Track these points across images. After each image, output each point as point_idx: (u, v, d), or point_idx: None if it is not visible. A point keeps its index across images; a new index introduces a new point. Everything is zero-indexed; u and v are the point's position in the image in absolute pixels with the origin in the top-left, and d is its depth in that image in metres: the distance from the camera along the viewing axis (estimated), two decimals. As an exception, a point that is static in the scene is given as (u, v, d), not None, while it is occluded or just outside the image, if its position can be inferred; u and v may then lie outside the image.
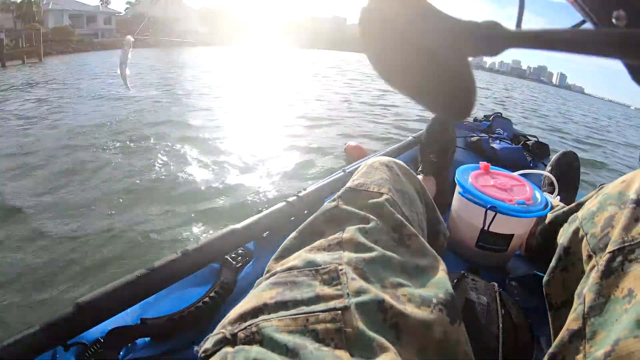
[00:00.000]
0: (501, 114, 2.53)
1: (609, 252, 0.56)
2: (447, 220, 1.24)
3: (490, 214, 1.01)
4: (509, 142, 2.10)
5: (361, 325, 0.42)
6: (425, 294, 0.50)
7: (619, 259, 0.54)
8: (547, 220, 0.97)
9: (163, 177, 3.48)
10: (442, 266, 0.58)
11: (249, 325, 0.41)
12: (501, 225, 1.04)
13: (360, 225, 0.57)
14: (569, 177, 1.43)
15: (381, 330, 0.43)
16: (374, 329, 0.42)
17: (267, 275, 0.51)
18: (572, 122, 12.17)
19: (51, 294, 2.01)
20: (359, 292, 0.45)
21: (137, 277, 0.75)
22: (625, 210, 0.60)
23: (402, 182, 0.70)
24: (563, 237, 0.75)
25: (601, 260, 0.57)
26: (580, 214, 0.73)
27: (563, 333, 0.55)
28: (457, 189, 1.09)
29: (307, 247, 0.55)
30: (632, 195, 0.62)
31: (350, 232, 0.55)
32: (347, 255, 0.51)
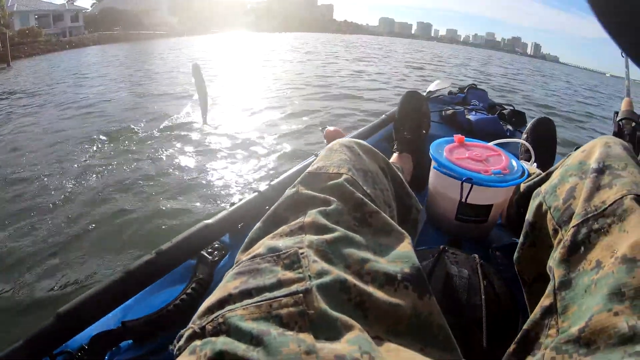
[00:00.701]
0: (475, 85, 2.53)
1: (574, 226, 0.56)
2: (426, 195, 1.24)
3: (467, 186, 1.01)
4: (485, 112, 2.10)
5: (324, 306, 0.42)
6: (390, 270, 0.50)
7: (584, 231, 0.55)
8: (521, 190, 0.97)
9: (132, 175, 3.39)
10: (408, 240, 0.58)
11: (215, 317, 0.42)
12: (479, 197, 1.04)
13: (322, 208, 0.57)
14: (545, 143, 1.43)
15: (346, 310, 0.43)
16: (338, 309, 0.42)
17: (234, 266, 0.51)
18: (551, 93, 12.15)
19: (31, 303, 1.98)
20: (320, 274, 0.45)
21: (115, 281, 0.75)
22: (587, 180, 0.60)
23: (364, 161, 0.70)
24: (528, 212, 0.75)
25: (567, 234, 0.57)
26: (543, 187, 0.73)
27: (536, 310, 0.55)
28: (432, 163, 1.09)
29: (270, 235, 0.55)
30: (592, 164, 0.62)
31: (311, 215, 0.55)
32: (309, 238, 0.51)
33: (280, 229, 0.55)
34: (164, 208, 2.71)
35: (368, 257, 0.51)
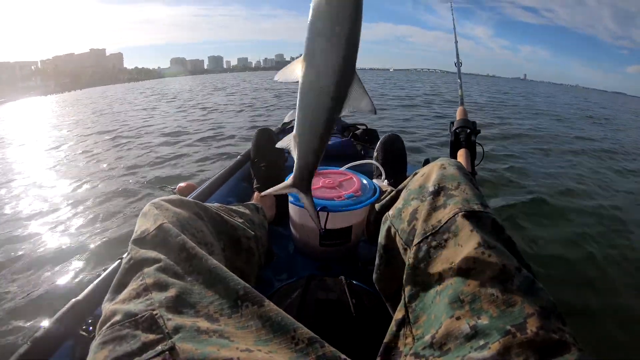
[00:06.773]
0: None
1: (415, 245, 0.64)
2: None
3: (323, 214, 1.05)
4: (339, 135, 2.20)
5: (189, 355, 0.45)
6: (230, 302, 0.55)
7: (424, 248, 0.62)
8: (377, 209, 1.05)
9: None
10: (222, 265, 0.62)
11: None
12: (337, 221, 1.09)
13: (156, 265, 0.60)
14: (394, 159, 1.52)
15: (210, 345, 0.47)
16: (203, 351, 0.45)
17: (96, 337, 0.52)
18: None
19: None
20: (177, 329, 0.48)
21: None
22: (425, 203, 0.69)
23: (174, 212, 0.73)
24: (380, 236, 0.83)
25: (411, 253, 0.64)
26: (390, 212, 0.81)
27: (392, 324, 0.62)
28: (289, 197, 1.11)
29: (120, 300, 0.57)
30: (430, 187, 0.71)
31: (151, 275, 0.58)
32: (157, 297, 0.54)
33: (126, 293, 0.57)
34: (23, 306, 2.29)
35: (209, 298, 0.55)
